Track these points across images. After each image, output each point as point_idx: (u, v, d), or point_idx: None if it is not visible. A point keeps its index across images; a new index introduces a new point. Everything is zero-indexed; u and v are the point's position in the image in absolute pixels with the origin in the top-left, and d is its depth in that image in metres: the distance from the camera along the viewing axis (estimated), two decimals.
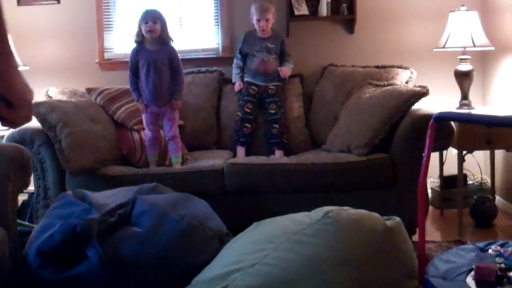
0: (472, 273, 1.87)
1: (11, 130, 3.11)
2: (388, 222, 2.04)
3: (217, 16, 3.99)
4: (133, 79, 3.23)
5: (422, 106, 3.15)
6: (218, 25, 4.00)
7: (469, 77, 3.52)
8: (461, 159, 3.22)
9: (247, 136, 3.54)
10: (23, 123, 1.26)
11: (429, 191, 3.78)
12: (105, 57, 3.99)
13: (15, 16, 3.90)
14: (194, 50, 3.99)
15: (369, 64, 3.71)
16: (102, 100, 3.49)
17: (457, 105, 3.56)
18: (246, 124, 3.55)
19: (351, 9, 3.84)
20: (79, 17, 3.94)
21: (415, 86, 3.32)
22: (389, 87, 3.28)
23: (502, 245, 2.06)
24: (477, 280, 1.84)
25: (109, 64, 3.97)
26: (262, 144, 3.56)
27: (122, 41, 3.97)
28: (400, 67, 3.61)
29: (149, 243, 2.19)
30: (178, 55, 3.26)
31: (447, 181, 3.67)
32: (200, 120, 3.65)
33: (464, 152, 3.26)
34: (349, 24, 3.94)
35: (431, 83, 3.27)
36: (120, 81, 3.59)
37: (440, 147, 3.13)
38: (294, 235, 1.98)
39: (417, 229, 2.16)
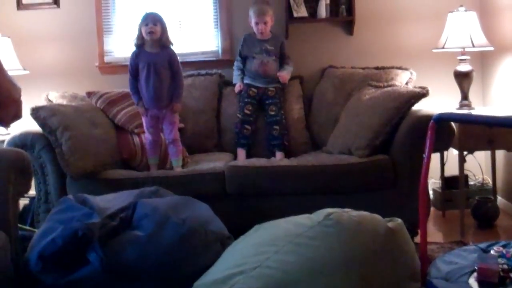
0: (475, 274, 1.87)
1: (12, 134, 3.12)
2: (390, 224, 2.04)
3: (217, 19, 3.99)
4: (133, 83, 3.23)
5: (422, 107, 3.14)
6: (217, 28, 4.00)
7: (469, 77, 3.52)
8: (462, 160, 3.22)
9: (247, 138, 3.54)
10: (13, 121, 1.25)
11: (431, 192, 3.78)
12: (105, 61, 3.98)
13: (15, 20, 3.90)
14: (193, 53, 3.99)
15: (369, 65, 3.71)
16: (103, 103, 3.49)
17: (457, 105, 3.56)
18: (246, 126, 3.55)
19: (350, 10, 3.84)
20: (79, 21, 3.94)
21: (415, 87, 3.31)
22: (389, 88, 3.28)
23: (504, 246, 2.06)
24: (479, 281, 1.83)
25: (109, 68, 3.97)
26: (262, 146, 3.56)
27: (122, 45, 3.97)
28: (399, 68, 3.61)
29: (151, 247, 2.19)
30: (178, 58, 3.26)
31: (448, 182, 3.66)
32: (201, 123, 3.65)
33: (465, 152, 3.25)
34: (348, 26, 3.93)
35: (430, 84, 3.27)
36: (120, 84, 3.60)
37: (441, 148, 3.13)
38: (296, 237, 1.97)
39: (419, 231, 2.16)
